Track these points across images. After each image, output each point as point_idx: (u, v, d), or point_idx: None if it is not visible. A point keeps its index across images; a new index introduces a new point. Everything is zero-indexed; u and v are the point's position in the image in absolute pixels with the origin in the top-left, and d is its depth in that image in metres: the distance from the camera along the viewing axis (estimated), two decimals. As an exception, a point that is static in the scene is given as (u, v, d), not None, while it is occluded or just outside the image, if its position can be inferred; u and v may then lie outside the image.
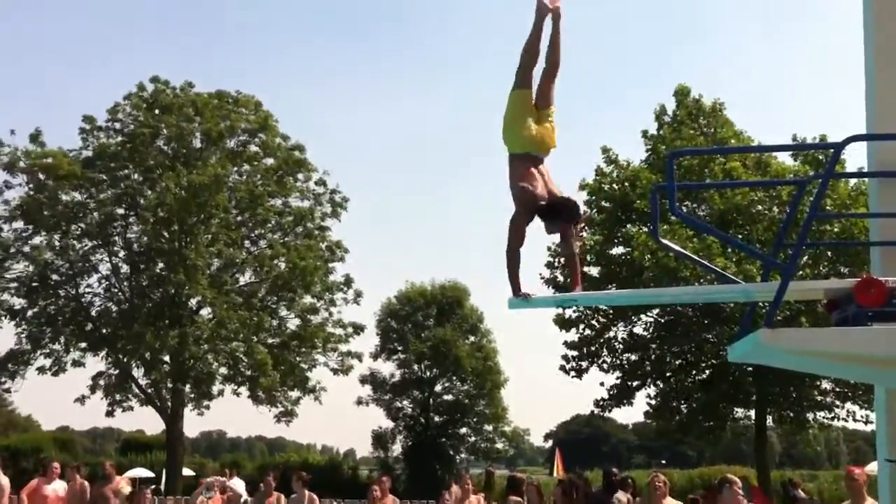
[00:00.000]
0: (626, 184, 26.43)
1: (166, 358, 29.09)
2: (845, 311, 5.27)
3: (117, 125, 30.96)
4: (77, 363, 29.89)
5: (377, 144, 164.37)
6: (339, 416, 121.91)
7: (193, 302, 30.10)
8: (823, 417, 27.36)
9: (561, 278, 26.48)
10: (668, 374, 27.53)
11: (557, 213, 5.74)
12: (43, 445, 34.85)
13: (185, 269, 28.19)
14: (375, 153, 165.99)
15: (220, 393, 30.54)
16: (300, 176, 32.63)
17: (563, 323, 28.24)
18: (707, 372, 27.03)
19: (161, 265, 29.91)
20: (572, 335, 28.68)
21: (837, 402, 26.77)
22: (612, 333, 28.51)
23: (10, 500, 12.89)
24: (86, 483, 13.33)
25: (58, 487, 12.66)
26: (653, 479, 10.40)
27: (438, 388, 37.97)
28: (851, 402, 26.37)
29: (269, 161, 32.37)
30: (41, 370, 29.66)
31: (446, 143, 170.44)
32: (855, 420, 27.01)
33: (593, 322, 28.32)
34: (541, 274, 27.49)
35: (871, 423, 25.13)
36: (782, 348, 5.20)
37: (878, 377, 5.93)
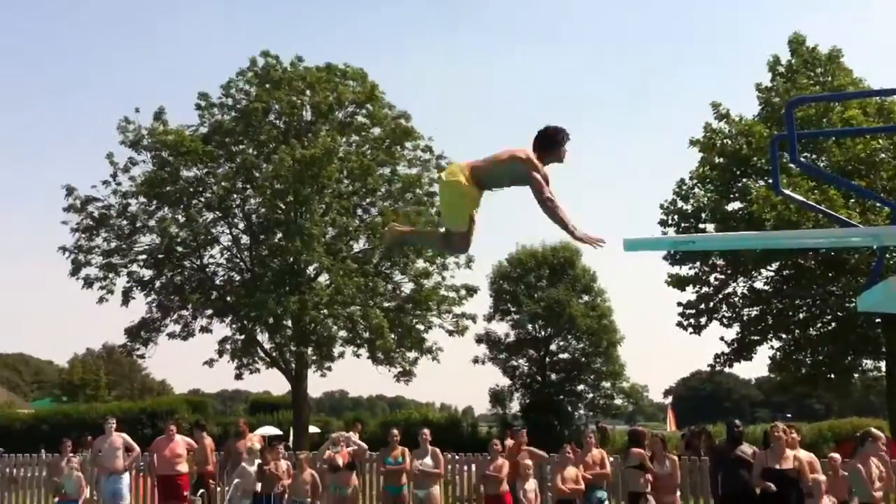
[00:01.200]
0: (741, 138, 25.69)
1: (288, 323, 30.14)
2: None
3: (231, 101, 31.98)
4: (204, 329, 31.42)
5: (480, 104, 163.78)
6: (457, 376, 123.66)
7: (311, 269, 30.99)
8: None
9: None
10: (791, 327, 26.81)
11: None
12: (177, 407, 36.58)
13: (301, 238, 29.02)
14: (479, 114, 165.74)
15: (341, 355, 31.49)
16: (407, 144, 33.01)
17: (679, 282, 27.81)
18: (833, 325, 26.19)
19: (279, 235, 30.88)
20: (689, 294, 28.25)
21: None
22: (730, 289, 27.97)
23: (143, 457, 13.80)
24: (210, 440, 14.08)
25: (181, 444, 13.42)
26: (772, 429, 10.22)
27: (553, 346, 38.12)
28: None
29: (377, 131, 32.86)
30: (171, 336, 31.39)
31: (552, 100, 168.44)
32: None
33: (710, 279, 27.82)
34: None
35: None
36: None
37: None
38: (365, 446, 12.96)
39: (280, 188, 30.17)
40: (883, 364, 26.22)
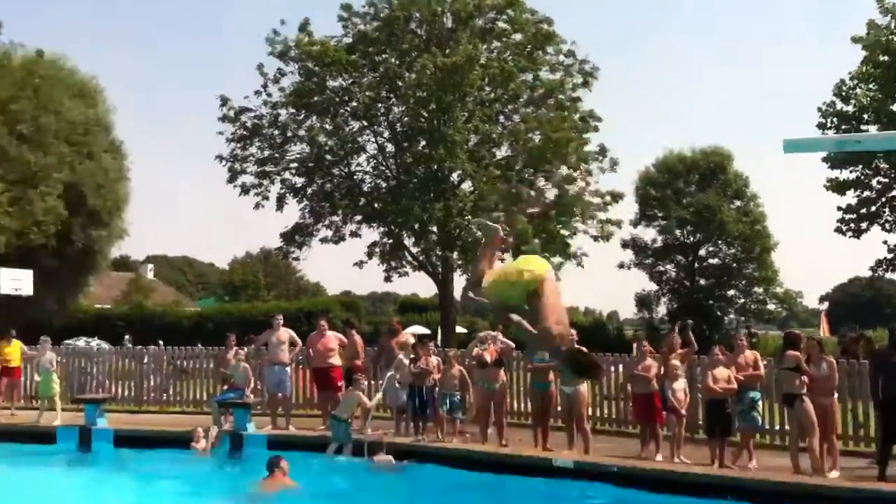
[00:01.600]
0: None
1: (433, 228, 30.71)
2: None
3: (373, 11, 32.07)
4: (354, 234, 32.57)
5: (623, 5, 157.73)
6: (602, 281, 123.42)
7: (455, 176, 31.28)
8: None
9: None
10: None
11: None
12: (330, 307, 38.13)
13: (444, 145, 29.23)
14: (623, 16, 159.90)
15: (486, 259, 31.75)
16: (549, 49, 32.34)
17: (839, 187, 26.69)
18: None
19: (423, 143, 31.20)
20: (849, 198, 27.10)
21: None
22: (894, 192, 26.62)
23: (301, 351, 14.57)
24: (360, 337, 14.68)
25: (333, 339, 14.05)
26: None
27: (703, 252, 37.22)
28: None
29: (518, 37, 32.33)
30: (323, 240, 32.80)
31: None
32: None
33: (873, 183, 26.54)
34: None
35: None
36: None
37: None
38: (512, 345, 13.19)
39: (423, 96, 30.34)
40: None
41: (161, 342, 23.66)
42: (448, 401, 12.34)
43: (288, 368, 14.15)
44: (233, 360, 13.95)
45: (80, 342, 24.22)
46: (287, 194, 32.56)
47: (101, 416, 12.99)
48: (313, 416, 14.38)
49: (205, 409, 15.29)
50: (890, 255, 26.71)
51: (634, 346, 14.50)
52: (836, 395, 10.74)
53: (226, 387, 14.02)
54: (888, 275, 28.14)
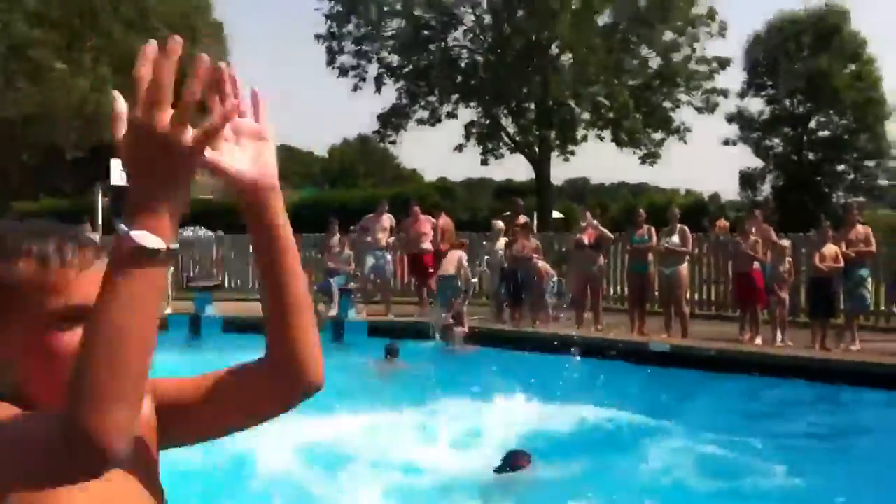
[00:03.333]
0: None
1: (531, 106, 30.09)
2: None
3: None
4: (451, 115, 32.26)
5: None
6: (705, 159, 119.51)
7: (554, 47, 30.30)
8: None
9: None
10: None
11: None
12: (427, 193, 38.32)
13: (544, 13, 28.20)
14: None
15: (584, 138, 31.24)
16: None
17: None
18: None
19: (521, 13, 30.18)
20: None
21: None
22: None
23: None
24: (450, 220, 14.70)
25: (425, 223, 14.09)
26: None
27: (813, 124, 35.33)
28: None
29: None
30: (420, 122, 32.58)
31: None
32: None
33: None
34: None
35: None
36: None
37: None
38: (610, 235, 12.96)
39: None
40: None
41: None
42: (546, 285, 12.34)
43: (388, 254, 14.34)
44: (336, 246, 14.10)
45: (188, 232, 25.11)
46: (384, 74, 32.40)
47: (209, 304, 13.55)
48: (410, 303, 14.58)
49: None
50: None
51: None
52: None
53: (330, 273, 14.29)
54: None
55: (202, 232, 24.87)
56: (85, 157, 26.03)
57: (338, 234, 14.41)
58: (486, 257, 13.35)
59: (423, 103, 32.60)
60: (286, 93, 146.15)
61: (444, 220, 14.57)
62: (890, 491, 5.89)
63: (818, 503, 5.76)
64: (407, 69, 32.26)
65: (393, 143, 34.89)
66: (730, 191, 38.79)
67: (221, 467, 5.58)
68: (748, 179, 36.74)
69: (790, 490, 5.92)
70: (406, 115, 32.79)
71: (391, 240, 14.38)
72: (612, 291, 14.21)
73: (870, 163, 35.12)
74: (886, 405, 8.29)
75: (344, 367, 9.30)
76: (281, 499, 5.41)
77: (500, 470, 5.82)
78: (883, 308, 11.68)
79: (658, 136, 31.22)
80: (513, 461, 5.85)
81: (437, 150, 42.88)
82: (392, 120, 32.93)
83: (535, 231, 16.71)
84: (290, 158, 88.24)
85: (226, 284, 17.11)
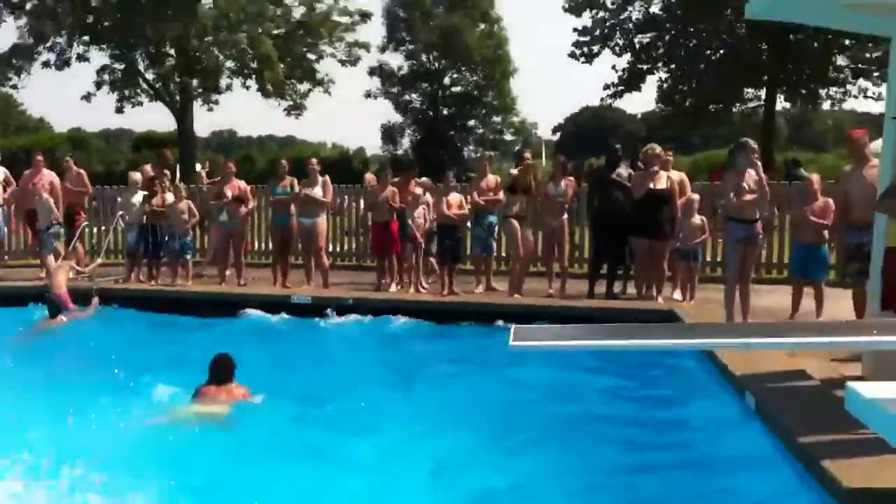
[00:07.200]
0: None
1: (171, 52, 28.55)
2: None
3: None
4: (81, 57, 29.59)
5: None
6: (349, 113, 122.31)
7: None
8: (836, 91, 27.37)
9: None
10: (682, 54, 27.29)
11: None
12: (58, 145, 35.25)
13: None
14: None
15: (229, 87, 30.40)
16: None
17: (576, 7, 27.54)
18: (720, 52, 26.72)
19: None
20: (585, 20, 28.07)
21: (851, 80, 26.69)
22: (625, 14, 28.03)
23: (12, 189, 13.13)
24: (83, 172, 13.49)
25: (47, 177, 12.75)
26: (647, 150, 10.34)
27: (447, 80, 37.42)
28: (865, 78, 26.31)
29: None
30: (45, 64, 29.55)
31: None
32: (866, 97, 27.10)
33: (607, 3, 27.69)
34: None
35: (883, 99, 25.12)
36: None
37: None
38: (252, 202, 12.77)
39: None
40: (763, 93, 27.16)
41: None
42: (179, 241, 11.83)
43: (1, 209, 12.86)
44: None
45: None
46: (3, 9, 28.80)
47: None
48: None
49: None
50: (617, 81, 28.20)
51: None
52: (565, 216, 11.17)
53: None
54: (615, 102, 29.63)
55: None
56: None
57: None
58: (120, 212, 12.45)
59: (49, 44, 29.46)
60: None
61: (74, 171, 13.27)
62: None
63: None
64: (31, 4, 28.94)
65: (14, 87, 31.35)
66: (374, 145, 39.96)
67: None
68: (389, 133, 38.20)
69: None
70: (30, 56, 29.50)
71: (7, 194, 12.88)
72: (255, 246, 14.09)
73: (496, 118, 38.07)
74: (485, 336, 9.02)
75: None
76: None
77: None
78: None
79: (303, 87, 31.23)
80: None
81: (68, 97, 39.33)
82: (13, 62, 29.46)
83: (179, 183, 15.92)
84: None
85: None
